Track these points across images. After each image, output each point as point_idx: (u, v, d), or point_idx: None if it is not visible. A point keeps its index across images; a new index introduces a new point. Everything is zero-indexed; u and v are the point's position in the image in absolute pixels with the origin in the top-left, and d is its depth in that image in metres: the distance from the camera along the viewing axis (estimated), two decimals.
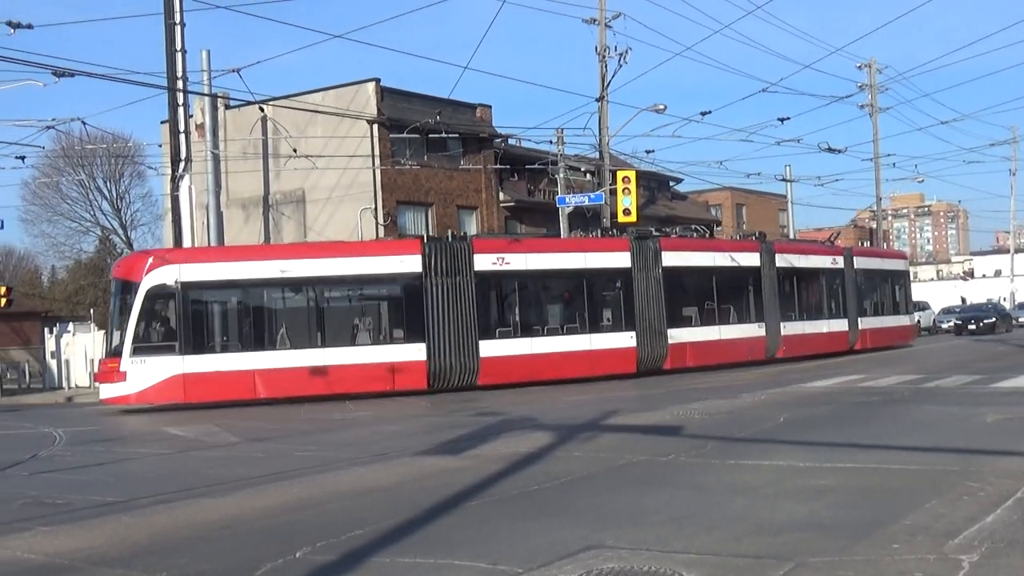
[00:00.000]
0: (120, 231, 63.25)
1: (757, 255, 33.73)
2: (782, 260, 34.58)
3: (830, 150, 46.86)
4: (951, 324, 52.48)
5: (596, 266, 29.66)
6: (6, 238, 60.67)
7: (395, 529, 8.97)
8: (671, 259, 30.69)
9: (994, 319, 50.62)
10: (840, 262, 37.96)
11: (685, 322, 31.25)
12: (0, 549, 8.94)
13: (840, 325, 37.38)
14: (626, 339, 29.30)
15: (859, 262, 39.27)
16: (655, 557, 7.55)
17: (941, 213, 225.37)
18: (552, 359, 27.82)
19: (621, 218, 34.31)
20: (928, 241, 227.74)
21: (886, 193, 62.07)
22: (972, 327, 49.32)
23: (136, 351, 24.42)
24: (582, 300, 29.52)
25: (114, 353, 24.86)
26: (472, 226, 43.00)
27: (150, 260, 25.58)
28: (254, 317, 26.16)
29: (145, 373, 24.38)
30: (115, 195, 63.45)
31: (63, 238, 62.23)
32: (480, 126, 45.17)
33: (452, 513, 9.72)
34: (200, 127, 33.35)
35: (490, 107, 46.37)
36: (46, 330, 41.71)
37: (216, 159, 33.44)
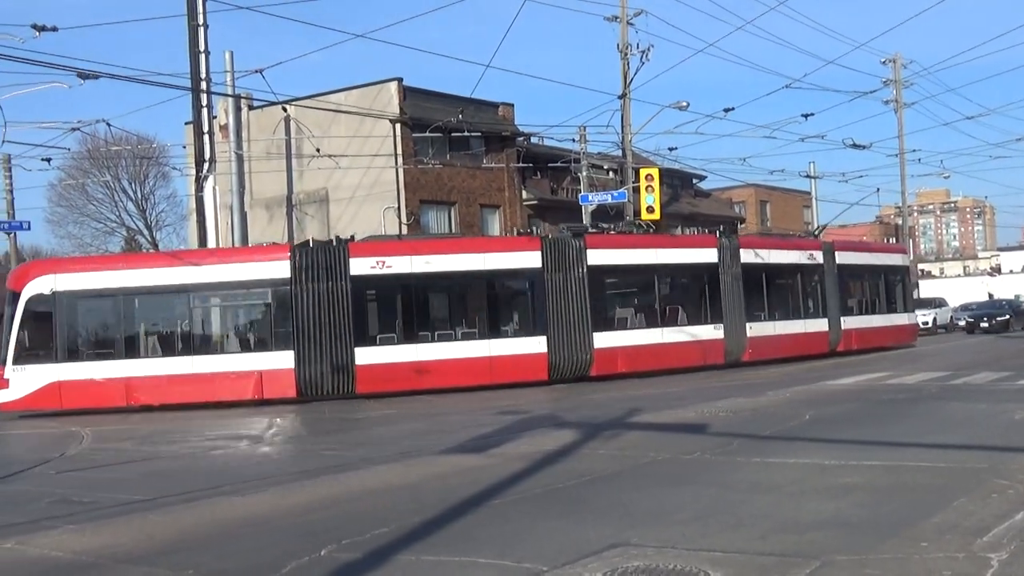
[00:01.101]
0: (145, 232, 63.57)
1: (715, 251, 31.33)
2: (747, 256, 31.93)
3: (855, 146, 46.37)
4: (965, 322, 50.86)
5: (499, 267, 27.77)
6: (33, 239, 60.94)
7: (420, 527, 8.98)
8: (598, 257, 28.47)
9: (1008, 316, 48.67)
10: (819, 257, 34.98)
11: (617, 325, 29.24)
12: (28, 547, 9.01)
13: (819, 325, 34.39)
14: (534, 345, 27.27)
15: (843, 257, 36.15)
16: (680, 555, 7.52)
17: (967, 209, 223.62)
18: (442, 366, 26.02)
19: (644, 216, 34.08)
20: (955, 237, 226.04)
21: (911, 189, 61.51)
22: (984, 325, 47.81)
23: (17, 359, 24.80)
24: (482, 303, 28.17)
25: (1, 361, 25.04)
26: (495, 225, 43.03)
27: (31, 270, 26.54)
28: (126, 325, 25.96)
29: (25, 380, 24.68)
30: (140, 196, 63.75)
31: (89, 239, 62.50)
32: (503, 124, 45.15)
33: (476, 511, 9.72)
34: (224, 128, 33.48)
35: (512, 105, 46.36)
36: None
37: (240, 159, 33.58)
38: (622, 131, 37.47)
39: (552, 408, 20.72)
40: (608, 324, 28.78)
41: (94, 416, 23.60)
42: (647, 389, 24.25)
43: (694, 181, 59.57)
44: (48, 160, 35.61)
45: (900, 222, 63.67)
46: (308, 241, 27.63)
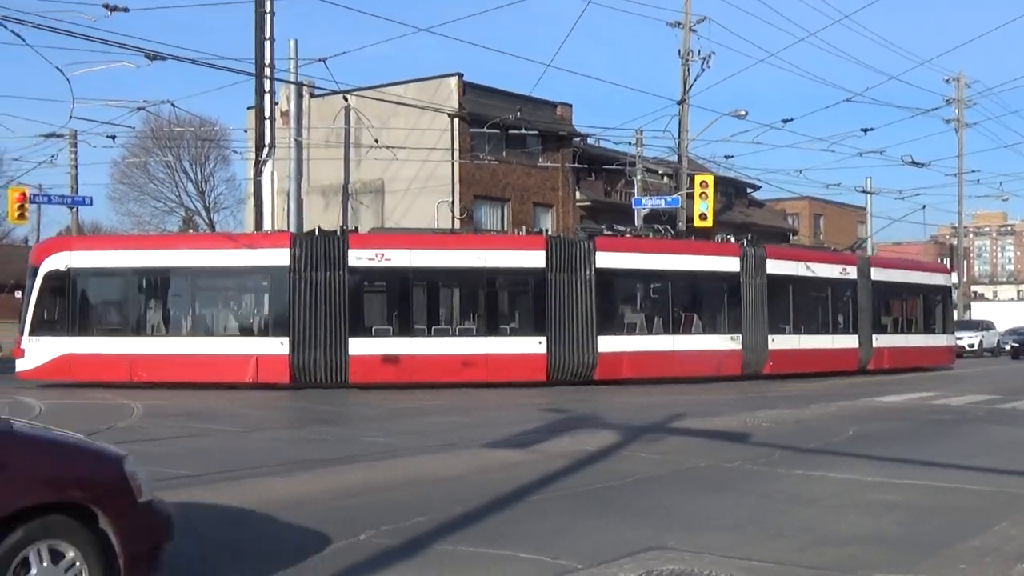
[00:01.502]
0: (203, 213, 64.29)
1: (737, 260, 30.20)
2: (774, 267, 30.82)
3: (913, 163, 45.69)
4: (1011, 346, 49.56)
5: (500, 265, 27.30)
6: (94, 215, 62.07)
7: (459, 518, 9.03)
8: (608, 260, 27.87)
9: None
10: (852, 272, 33.83)
11: (626, 330, 28.62)
12: None
13: (849, 341, 33.37)
14: (533, 345, 26.76)
15: (879, 273, 35.07)
16: (717, 562, 7.51)
17: None
18: (437, 361, 25.88)
19: (697, 223, 33.79)
20: (1010, 260, 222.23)
21: (968, 210, 60.61)
22: None
23: (33, 331, 25.68)
24: (482, 301, 27.55)
25: (20, 332, 26.12)
26: (548, 223, 42.96)
27: (49, 247, 27.38)
28: (132, 304, 26.58)
29: (40, 351, 25.52)
30: (200, 177, 64.53)
31: (148, 217, 63.34)
32: (560, 124, 45.11)
33: (516, 506, 9.76)
34: (285, 114, 33.76)
35: (570, 106, 46.32)
36: None
37: (299, 146, 33.84)
38: (679, 137, 37.30)
39: (593, 409, 20.70)
40: (615, 328, 28.20)
41: (145, 391, 23.96)
42: (678, 395, 23.95)
43: (748, 190, 59.07)
44: (113, 138, 36.29)
45: (955, 242, 62.72)
46: (314, 231, 27.51)
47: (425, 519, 8.92)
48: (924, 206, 48.85)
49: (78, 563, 5.41)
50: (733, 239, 32.36)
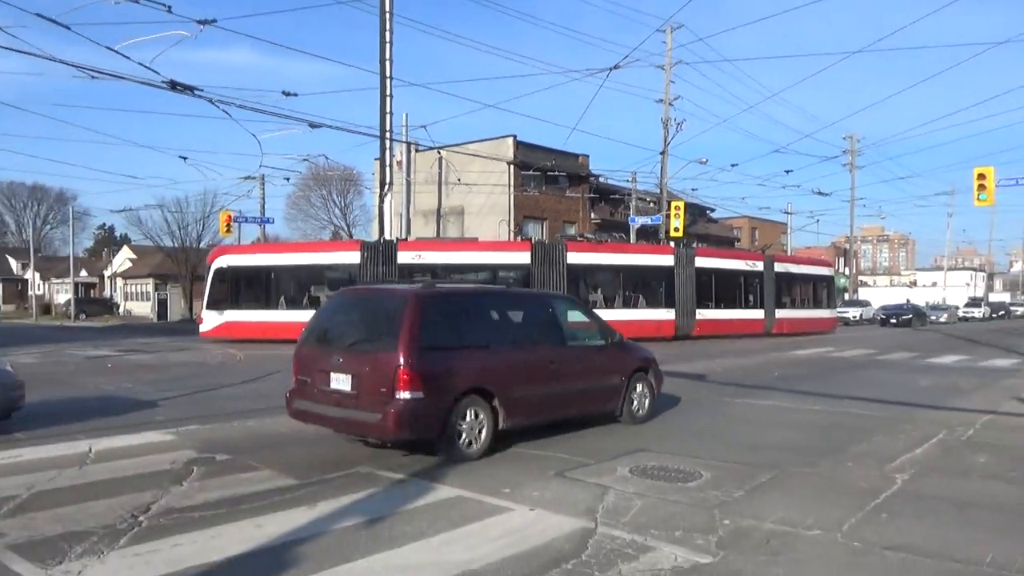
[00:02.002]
0: (346, 228, 64.79)
1: (671, 256, 28.87)
2: (701, 262, 29.50)
3: (820, 193, 45.07)
4: (879, 318, 48.09)
5: (501, 261, 26.64)
6: (275, 230, 62.63)
7: (520, 433, 9.06)
8: (575, 258, 26.89)
9: (910, 316, 45.72)
10: (759, 266, 32.29)
11: (588, 305, 26.79)
12: (262, 425, 9.34)
13: (757, 314, 31.74)
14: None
15: (780, 267, 33.37)
16: (682, 460, 7.49)
17: (896, 240, 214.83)
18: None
19: (672, 234, 33.28)
20: (885, 259, 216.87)
21: (857, 224, 59.17)
22: (893, 321, 44.92)
23: (208, 307, 26.86)
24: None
25: (203, 307, 27.48)
26: (572, 233, 42.72)
27: (217, 253, 28.41)
28: (266, 288, 26.87)
29: (211, 320, 26.60)
30: (343, 204, 64.88)
31: (310, 231, 63.80)
32: (580, 168, 44.90)
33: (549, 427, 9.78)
34: (399, 163, 33.89)
35: (588, 155, 46.01)
36: None
37: (408, 184, 34.01)
38: (661, 176, 36.79)
39: None
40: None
41: (274, 346, 24.18)
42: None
43: (707, 212, 58.35)
44: (287, 179, 37.31)
45: (848, 247, 61.57)
46: (377, 240, 27.68)
47: None
48: (817, 220, 47.75)
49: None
50: (672, 244, 31.38)
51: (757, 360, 20.02)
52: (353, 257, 25.91)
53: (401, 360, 6.94)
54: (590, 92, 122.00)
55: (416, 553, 4.84)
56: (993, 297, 78.34)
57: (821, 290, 36.32)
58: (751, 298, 32.01)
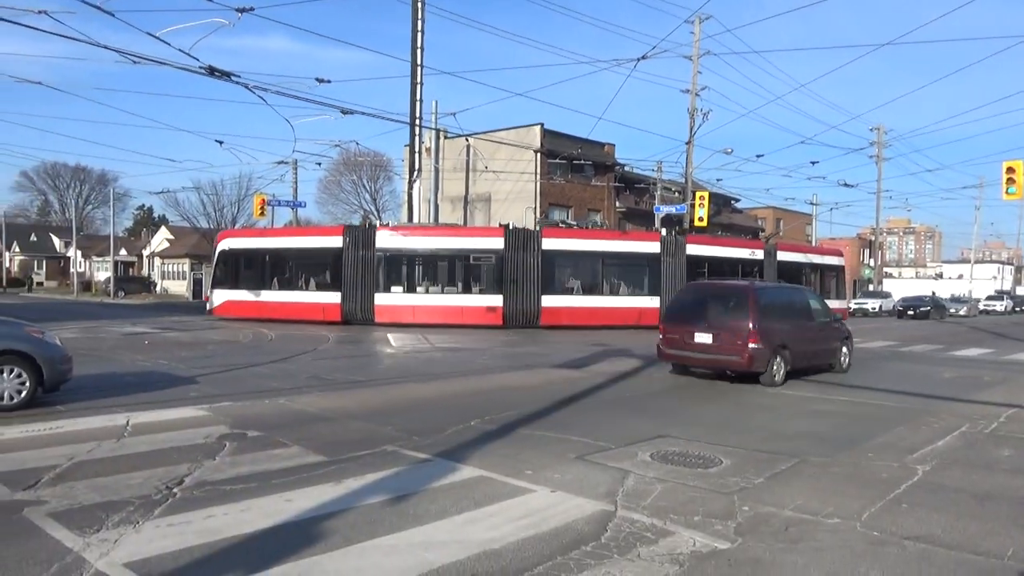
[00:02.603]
0: (376, 213, 64.98)
1: (658, 244, 27.40)
2: (693, 249, 27.90)
3: (846, 185, 44.07)
4: (897, 310, 45.78)
5: (474, 247, 25.92)
6: (307, 213, 63.02)
7: (535, 413, 9.08)
8: (550, 244, 26.05)
9: (929, 308, 43.48)
10: (759, 254, 30.50)
11: (566, 291, 26.32)
12: (293, 403, 9.47)
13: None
14: (495, 301, 25.48)
15: (783, 255, 31.52)
16: (704, 446, 7.44)
17: (922, 232, 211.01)
18: (430, 310, 25.41)
19: (696, 223, 33.01)
20: (911, 251, 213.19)
21: (883, 216, 58.18)
22: (911, 313, 43.43)
23: (213, 286, 28.08)
24: (462, 270, 26.12)
25: (210, 287, 28.55)
26: (598, 222, 42.50)
27: (222, 236, 29.55)
28: (260, 270, 27.58)
29: (217, 298, 27.71)
30: (373, 190, 65.11)
31: (340, 215, 64.04)
32: (606, 156, 44.55)
33: (571, 406, 9.77)
34: (428, 150, 33.89)
35: (614, 144, 45.66)
36: None
37: (436, 171, 34.00)
38: (686, 165, 36.42)
39: (625, 344, 20.46)
40: (556, 290, 26.12)
41: (344, 327, 24.43)
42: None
43: (731, 202, 57.65)
44: (319, 164, 37.35)
45: (873, 239, 60.49)
46: (362, 223, 28.65)
47: (513, 413, 8.99)
48: (831, 209, 46.69)
49: None
50: (661, 230, 30.10)
51: None
52: (337, 241, 26.32)
53: (751, 325, 11.82)
54: (618, 82, 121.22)
55: (439, 531, 4.86)
56: (1020, 291, 76.67)
57: (830, 280, 34.59)
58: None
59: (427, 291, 26.07)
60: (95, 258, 71.06)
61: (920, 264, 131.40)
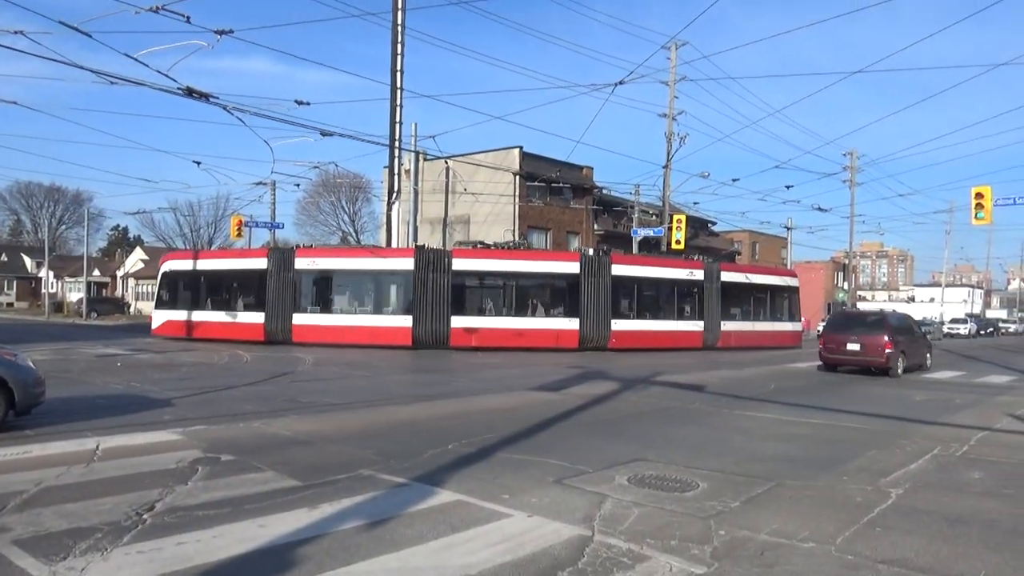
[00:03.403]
0: (354, 234, 64.96)
1: (577, 264, 26.73)
2: (619, 269, 27.18)
3: (820, 209, 44.78)
4: None
5: (385, 268, 26.04)
6: (285, 235, 62.77)
7: (513, 436, 9.04)
8: (461, 264, 25.88)
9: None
10: (699, 275, 29.47)
11: (477, 312, 26.03)
12: (268, 427, 9.35)
13: (694, 326, 28.99)
14: (405, 321, 25.36)
15: (728, 276, 30.60)
16: (680, 470, 7.45)
17: (895, 256, 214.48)
18: (347, 329, 25.45)
19: (674, 246, 33.19)
20: (884, 275, 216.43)
21: (856, 241, 59.04)
22: None
23: (156, 306, 29.51)
24: (376, 291, 26.39)
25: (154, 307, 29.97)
26: (576, 244, 42.76)
27: (165, 258, 30.58)
28: (198, 291, 28.42)
29: (158, 318, 29.00)
30: (352, 211, 65.21)
31: (319, 236, 63.95)
32: (584, 180, 44.89)
33: (549, 429, 9.74)
34: (407, 171, 33.99)
35: (592, 167, 46.06)
36: None
37: (415, 193, 34.07)
38: (664, 189, 36.76)
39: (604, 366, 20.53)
40: (466, 311, 25.89)
41: (318, 349, 24.23)
42: (648, 359, 23.57)
43: (708, 225, 58.32)
44: (297, 185, 37.72)
45: (847, 262, 61.39)
46: (279, 248, 30.09)
47: (492, 436, 8.94)
48: (807, 232, 47.22)
49: None
50: (587, 250, 30.41)
51: (753, 372, 19.95)
52: (261, 263, 26.95)
53: (886, 338, 18.83)
54: (596, 106, 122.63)
55: (416, 557, 4.81)
56: (990, 314, 78.03)
57: (782, 302, 33.30)
58: (688, 309, 29.47)
59: (342, 312, 26.34)
60: (68, 279, 70.04)
61: (893, 287, 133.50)
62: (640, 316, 28.10)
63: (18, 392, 8.54)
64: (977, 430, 10.40)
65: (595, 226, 45.54)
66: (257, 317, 26.53)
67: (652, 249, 39.35)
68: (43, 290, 64.83)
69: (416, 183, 34.23)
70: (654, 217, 44.84)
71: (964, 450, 8.95)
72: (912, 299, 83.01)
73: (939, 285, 77.16)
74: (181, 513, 5.56)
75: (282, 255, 27.11)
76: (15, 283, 76.25)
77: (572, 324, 26.49)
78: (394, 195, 30.38)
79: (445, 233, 40.83)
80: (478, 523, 5.51)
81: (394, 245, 30.57)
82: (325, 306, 26.51)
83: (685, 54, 55.94)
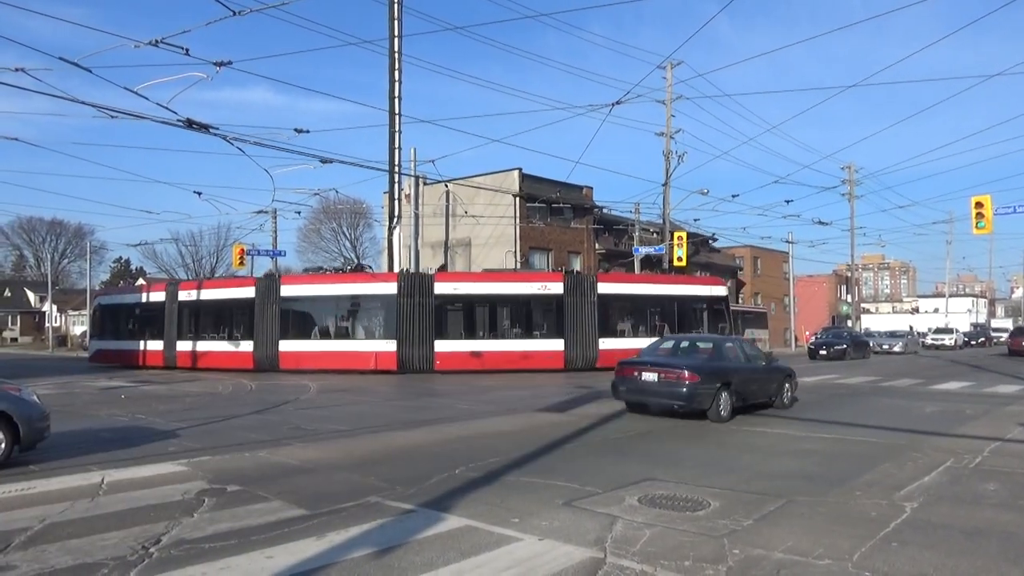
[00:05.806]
0: (356, 259, 65.02)
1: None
2: (442, 288, 25.75)
3: (820, 223, 44.75)
4: (808, 349, 38.76)
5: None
6: (287, 262, 62.93)
7: (520, 459, 8.97)
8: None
9: (845, 346, 36.02)
10: (556, 288, 26.12)
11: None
12: (273, 455, 9.29)
13: (553, 345, 25.84)
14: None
15: (609, 287, 26.99)
16: (691, 489, 7.37)
17: (897, 268, 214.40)
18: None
19: (675, 263, 33.20)
20: (887, 287, 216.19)
21: (858, 254, 58.97)
22: (823, 353, 35.64)
23: (91, 336, 32.32)
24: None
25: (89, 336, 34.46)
26: (577, 265, 42.77)
27: (97, 293, 34.50)
28: (127, 321, 30.57)
29: (93, 347, 32.28)
30: (353, 237, 65.29)
31: (321, 262, 63.89)
32: (584, 200, 44.97)
33: (557, 451, 9.67)
34: (408, 196, 34.11)
35: (592, 187, 46.08)
36: None
37: (416, 217, 34.17)
38: (664, 206, 36.85)
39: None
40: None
41: (323, 375, 24.15)
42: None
43: (709, 241, 58.29)
44: (299, 212, 37.28)
45: (849, 275, 61.35)
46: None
47: (497, 459, 8.87)
48: (810, 246, 47.02)
49: None
50: (397, 271, 29.85)
51: None
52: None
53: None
54: (593, 126, 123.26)
55: None
56: (995, 323, 77.67)
57: (700, 312, 28.61)
58: (545, 327, 26.47)
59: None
60: (71, 312, 70.11)
61: (896, 299, 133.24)
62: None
63: (23, 427, 8.50)
64: (990, 440, 10.30)
65: (596, 245, 45.55)
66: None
67: (654, 267, 39.36)
68: (47, 324, 64.88)
69: (416, 207, 34.34)
70: (655, 235, 44.89)
71: (977, 461, 8.86)
72: (916, 310, 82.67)
73: (943, 295, 76.98)
74: (187, 546, 5.49)
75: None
76: (19, 318, 76.33)
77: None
78: (395, 220, 30.46)
79: (447, 256, 40.88)
80: (488, 548, 5.44)
81: (396, 270, 30.57)
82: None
83: (681, 73, 56.40)
